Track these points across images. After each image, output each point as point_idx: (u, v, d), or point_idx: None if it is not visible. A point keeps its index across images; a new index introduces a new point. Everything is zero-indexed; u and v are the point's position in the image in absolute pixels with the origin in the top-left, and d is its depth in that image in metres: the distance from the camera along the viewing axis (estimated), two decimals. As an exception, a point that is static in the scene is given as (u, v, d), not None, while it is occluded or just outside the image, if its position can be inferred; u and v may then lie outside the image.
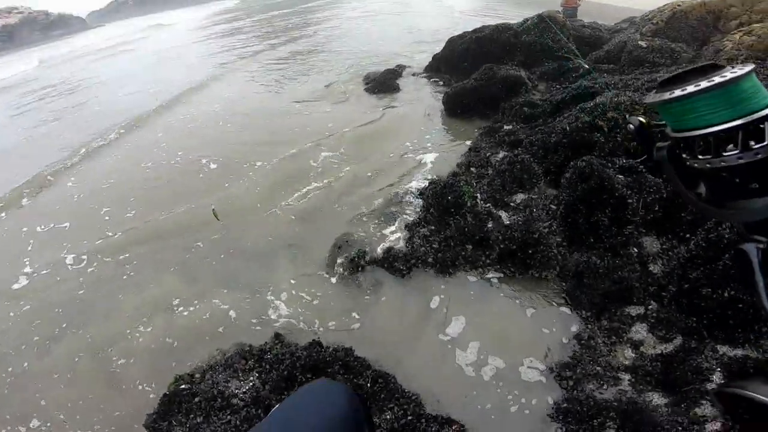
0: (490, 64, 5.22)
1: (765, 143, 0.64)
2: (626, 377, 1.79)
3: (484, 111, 4.87)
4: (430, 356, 2.24)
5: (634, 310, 2.09)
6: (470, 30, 6.47)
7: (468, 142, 4.31)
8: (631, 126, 0.82)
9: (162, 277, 3.19)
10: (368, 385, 2.08)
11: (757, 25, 4.57)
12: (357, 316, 2.56)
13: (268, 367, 2.32)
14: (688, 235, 2.25)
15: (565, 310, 2.30)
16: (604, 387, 1.78)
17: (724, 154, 0.67)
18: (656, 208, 2.51)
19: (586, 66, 5.12)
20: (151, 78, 10.54)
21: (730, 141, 0.66)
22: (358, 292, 2.72)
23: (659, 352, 1.83)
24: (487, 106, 4.86)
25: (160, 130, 6.46)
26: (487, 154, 3.84)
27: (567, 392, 1.83)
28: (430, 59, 6.97)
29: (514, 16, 6.84)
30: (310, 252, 3.17)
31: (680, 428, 1.41)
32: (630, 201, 2.51)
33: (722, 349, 1.71)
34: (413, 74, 7.02)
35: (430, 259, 2.80)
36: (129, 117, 7.17)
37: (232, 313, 2.75)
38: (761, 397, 0.78)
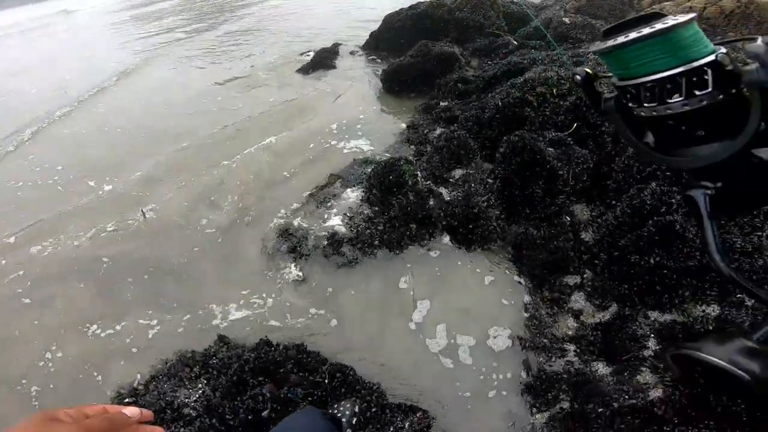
0: (425, 40, 4.94)
1: (708, 90, 0.60)
2: (571, 347, 1.74)
3: (422, 87, 4.62)
4: (393, 339, 2.04)
5: (572, 280, 2.05)
6: (407, 6, 6.07)
7: (406, 120, 4.05)
8: (578, 77, 0.77)
9: (67, 300, 2.63)
10: (326, 381, 1.89)
11: (668, 3, 4.68)
12: (312, 310, 2.29)
13: (215, 372, 2.05)
14: (614, 202, 2.25)
15: (519, 279, 2.22)
16: (553, 359, 1.72)
17: (669, 101, 0.63)
18: (584, 178, 2.51)
19: (515, 42, 5.02)
20: (48, 76, 8.38)
21: (675, 89, 0.62)
22: (306, 286, 2.44)
23: (598, 320, 1.81)
24: (424, 82, 4.62)
25: (40, 139, 5.21)
26: (425, 131, 3.66)
27: (524, 365, 1.76)
28: (368, 37, 6.52)
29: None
30: (241, 255, 2.73)
31: (627, 396, 1.38)
32: (561, 172, 2.48)
33: (653, 315, 1.70)
34: (350, 52, 6.52)
35: (376, 242, 2.61)
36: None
37: (161, 329, 2.33)
38: (713, 358, 0.75)
